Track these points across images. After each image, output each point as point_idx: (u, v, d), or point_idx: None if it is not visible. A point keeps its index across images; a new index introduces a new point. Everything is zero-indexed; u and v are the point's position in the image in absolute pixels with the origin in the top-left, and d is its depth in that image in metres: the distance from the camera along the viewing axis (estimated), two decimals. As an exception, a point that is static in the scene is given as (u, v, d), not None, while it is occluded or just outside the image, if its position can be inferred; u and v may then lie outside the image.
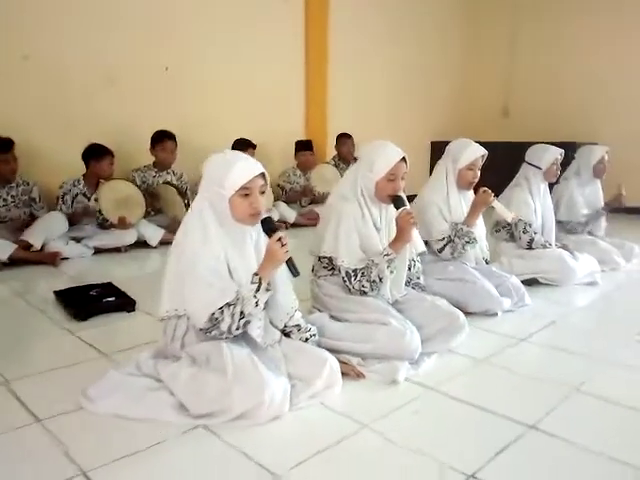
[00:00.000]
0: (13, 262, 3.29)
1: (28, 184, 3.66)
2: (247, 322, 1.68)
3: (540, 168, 3.19)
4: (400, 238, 2.10)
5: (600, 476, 1.35)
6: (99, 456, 1.37)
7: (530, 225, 3.14)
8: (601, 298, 2.94)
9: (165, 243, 4.02)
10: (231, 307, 1.63)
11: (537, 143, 5.85)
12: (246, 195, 1.67)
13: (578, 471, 1.37)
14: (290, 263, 1.72)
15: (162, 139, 4.24)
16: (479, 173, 2.74)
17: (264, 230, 1.72)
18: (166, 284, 1.76)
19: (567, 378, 1.88)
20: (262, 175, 1.70)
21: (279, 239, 1.66)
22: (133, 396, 1.61)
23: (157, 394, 1.62)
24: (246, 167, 1.67)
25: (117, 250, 3.78)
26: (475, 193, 2.76)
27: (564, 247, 3.22)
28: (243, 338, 1.76)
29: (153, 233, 3.93)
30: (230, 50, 4.90)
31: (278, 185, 5.24)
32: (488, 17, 7.22)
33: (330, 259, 2.22)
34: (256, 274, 1.67)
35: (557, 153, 3.18)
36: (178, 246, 1.76)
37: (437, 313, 2.17)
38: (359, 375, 1.85)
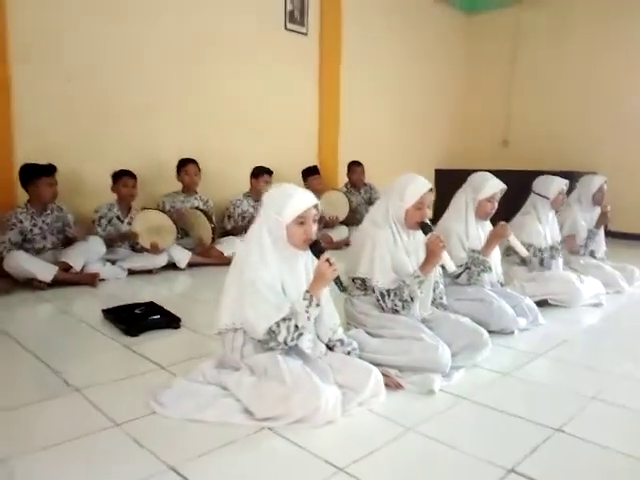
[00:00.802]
0: (55, 283, 3.48)
1: (62, 210, 3.79)
2: (300, 334, 1.88)
3: (548, 198, 3.44)
4: (430, 261, 2.32)
5: (619, 470, 1.55)
6: (182, 453, 1.55)
7: (540, 250, 3.37)
8: (607, 318, 3.16)
9: (192, 265, 4.25)
10: (287, 321, 1.84)
11: (535, 172, 6.19)
12: (301, 223, 1.89)
13: (602, 467, 1.56)
14: (337, 280, 1.93)
15: (185, 164, 4.51)
16: (497, 205, 2.98)
17: (313, 252, 1.93)
18: (226, 300, 1.95)
19: (584, 388, 2.08)
20: (315, 206, 1.93)
21: (327, 260, 1.88)
22: (203, 401, 1.80)
23: (224, 400, 1.81)
24: (303, 198, 1.90)
25: (149, 272, 3.99)
26: (492, 223, 3.01)
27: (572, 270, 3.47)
28: (294, 351, 1.96)
29: (182, 256, 4.15)
30: (249, 83, 5.19)
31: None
32: (488, 53, 7.58)
33: (363, 280, 2.43)
34: (307, 291, 1.88)
35: (563, 184, 3.44)
36: (237, 266, 1.95)
37: (462, 330, 2.37)
38: (398, 386, 2.04)
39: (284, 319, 1.84)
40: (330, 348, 2.09)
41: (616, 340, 2.78)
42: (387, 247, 2.36)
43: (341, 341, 2.11)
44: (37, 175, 3.55)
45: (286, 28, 5.42)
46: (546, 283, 3.30)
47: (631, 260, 4.15)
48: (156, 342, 2.54)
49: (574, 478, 1.48)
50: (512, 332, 2.72)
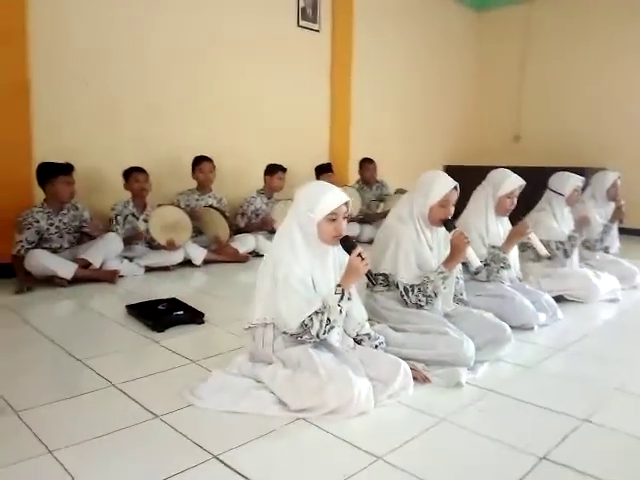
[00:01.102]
0: (74, 280, 3.52)
1: (77, 208, 3.78)
2: (332, 327, 1.92)
3: (563, 195, 3.47)
4: (455, 256, 2.35)
5: (651, 459, 1.59)
6: (223, 443, 1.60)
7: (562, 242, 3.40)
8: (624, 313, 3.21)
9: (207, 262, 4.30)
10: (319, 315, 1.88)
11: (547, 168, 6.19)
12: (332, 220, 1.93)
13: (631, 455, 1.60)
14: (369, 274, 1.97)
15: (199, 162, 4.54)
16: (516, 201, 3.02)
17: (344, 247, 1.96)
18: (258, 295, 1.98)
19: (607, 380, 2.13)
20: (346, 203, 1.96)
21: (359, 254, 1.92)
22: (239, 394, 1.85)
23: (260, 392, 1.86)
24: (335, 196, 1.94)
25: (166, 269, 4.04)
26: (510, 221, 3.05)
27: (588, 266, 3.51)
28: (324, 345, 2.00)
29: (197, 253, 4.20)
30: (262, 81, 5.23)
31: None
32: (498, 48, 7.61)
33: (386, 276, 2.47)
34: (339, 285, 1.92)
35: (578, 181, 3.47)
36: (269, 262, 1.98)
37: (485, 325, 2.41)
38: (425, 379, 2.08)
39: (317, 312, 1.88)
40: (358, 342, 2.13)
41: (634, 334, 2.82)
42: (411, 243, 2.40)
43: (368, 335, 2.15)
44: (55, 174, 3.57)
45: (299, 25, 5.46)
46: (563, 279, 3.33)
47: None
48: (182, 337, 2.58)
49: (605, 465, 1.52)
50: (532, 328, 2.75)
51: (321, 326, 1.89)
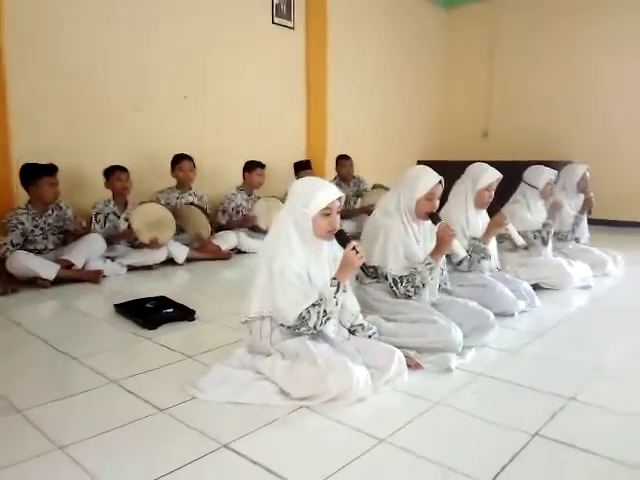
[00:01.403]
0: (57, 280, 3.49)
1: (61, 208, 3.77)
2: (328, 319, 1.99)
3: (537, 188, 3.62)
4: (441, 248, 2.45)
5: (630, 429, 1.71)
6: (230, 432, 1.64)
7: (539, 231, 3.55)
8: (596, 299, 3.37)
9: (189, 260, 4.30)
10: (316, 307, 1.94)
11: (515, 162, 6.39)
12: (327, 215, 1.99)
13: (616, 428, 1.72)
14: (363, 266, 2.04)
15: (179, 160, 4.53)
16: (493, 194, 3.14)
17: (338, 241, 2.03)
18: (256, 289, 2.02)
19: (586, 361, 2.26)
20: (339, 198, 2.03)
21: (354, 247, 1.98)
22: (241, 385, 1.89)
23: (261, 383, 1.91)
24: (328, 192, 2.00)
25: (148, 268, 4.02)
26: (488, 213, 3.17)
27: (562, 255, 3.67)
28: (320, 336, 2.07)
29: (180, 251, 4.20)
30: (239, 79, 5.24)
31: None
32: (467, 46, 7.79)
33: (375, 268, 2.55)
34: (334, 278, 1.98)
35: (552, 174, 3.62)
36: (266, 256, 2.03)
37: (470, 313, 2.51)
38: (417, 366, 2.16)
39: (313, 305, 1.94)
40: (352, 333, 2.20)
41: (607, 318, 2.97)
42: (399, 236, 2.49)
43: (362, 326, 2.22)
44: (38, 175, 3.54)
45: (273, 22, 5.48)
46: (538, 268, 3.48)
47: (612, 245, 4.38)
48: (175, 334, 2.60)
49: (593, 439, 1.63)
50: (512, 314, 2.88)
51: (318, 318, 1.95)
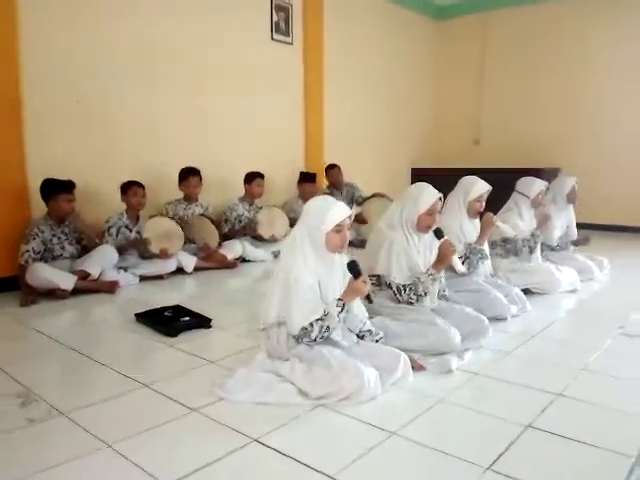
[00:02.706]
0: (74, 291, 3.67)
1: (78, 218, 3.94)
2: (329, 333, 2.20)
3: (528, 197, 3.86)
4: (442, 262, 2.68)
5: (613, 422, 1.93)
6: (259, 428, 1.85)
7: (527, 239, 3.78)
8: (583, 302, 3.61)
9: (197, 269, 4.50)
10: (319, 322, 2.15)
11: (505, 169, 6.64)
12: (338, 231, 2.21)
13: (600, 421, 1.95)
14: (368, 295, 2.25)
15: (187, 176, 4.73)
16: (484, 204, 3.37)
17: (350, 271, 2.21)
18: (271, 298, 2.22)
19: (573, 361, 2.48)
20: (349, 216, 2.24)
21: (363, 281, 2.18)
22: (264, 387, 2.10)
23: (282, 385, 2.11)
24: (340, 210, 2.21)
25: (159, 277, 4.21)
26: (480, 219, 3.41)
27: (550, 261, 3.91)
28: (331, 342, 2.28)
29: (188, 261, 4.40)
30: (242, 94, 5.45)
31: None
32: (458, 57, 8.03)
33: (379, 277, 2.77)
34: (341, 299, 2.19)
35: (542, 185, 3.86)
36: (282, 268, 2.22)
37: (466, 318, 2.73)
38: (420, 367, 2.37)
39: (317, 320, 2.15)
40: (360, 337, 2.42)
41: (593, 321, 3.21)
42: (402, 247, 2.71)
43: (370, 331, 2.43)
44: (57, 190, 3.75)
45: (272, 38, 5.70)
46: (529, 274, 3.71)
47: (601, 249, 4.63)
48: (195, 341, 2.80)
49: (581, 430, 1.84)
50: (505, 318, 3.10)
51: (320, 331, 2.16)
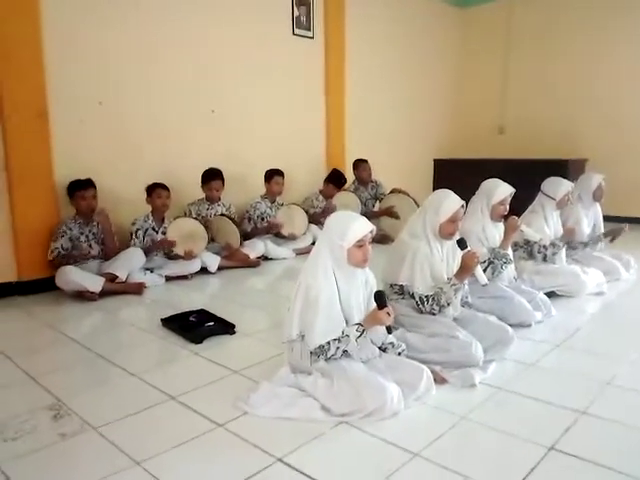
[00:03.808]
0: (102, 293, 3.76)
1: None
2: (346, 355, 2.21)
3: (554, 199, 3.79)
4: (465, 272, 2.65)
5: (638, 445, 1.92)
6: (283, 446, 1.88)
7: (545, 247, 3.73)
8: (609, 305, 3.56)
9: (220, 268, 4.55)
10: (336, 342, 2.17)
11: (530, 160, 6.52)
12: (360, 246, 2.21)
13: (625, 444, 1.93)
14: (389, 327, 2.25)
15: (209, 180, 4.77)
16: (508, 207, 3.33)
17: (376, 300, 2.20)
18: (293, 313, 2.24)
19: (599, 374, 2.45)
20: (371, 230, 2.24)
21: (387, 312, 2.17)
22: (287, 402, 2.13)
23: (305, 400, 2.14)
24: (362, 225, 2.21)
25: (184, 277, 4.29)
26: (505, 221, 3.37)
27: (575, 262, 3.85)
28: (349, 356, 2.29)
29: (212, 261, 4.46)
30: (262, 91, 5.45)
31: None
32: (482, 44, 7.86)
33: (401, 286, 2.77)
34: (361, 325, 2.20)
35: (569, 186, 3.79)
36: (303, 283, 2.23)
37: (490, 328, 2.72)
38: (443, 380, 2.38)
39: (335, 340, 2.17)
40: (383, 350, 2.43)
41: (620, 327, 3.17)
42: (425, 257, 2.69)
43: (392, 344, 2.44)
44: (74, 189, 3.94)
45: (294, 33, 5.66)
46: (554, 276, 3.66)
47: (627, 244, 4.52)
48: (219, 348, 2.85)
49: (604, 453, 1.83)
50: (530, 325, 3.08)
51: (336, 352, 2.18)
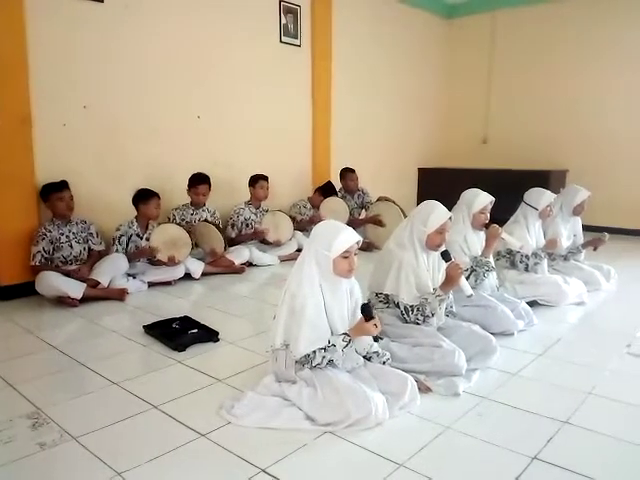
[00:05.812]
0: (84, 298, 3.71)
1: (85, 222, 4.06)
2: (331, 364, 2.21)
3: (537, 209, 3.84)
4: (450, 284, 2.67)
5: (619, 455, 1.94)
6: (266, 457, 1.87)
7: (527, 256, 3.78)
8: (590, 315, 3.61)
9: (204, 274, 4.52)
10: (322, 351, 2.16)
11: (512, 170, 6.60)
12: (346, 257, 2.21)
13: (605, 453, 1.95)
14: (377, 335, 2.26)
15: (196, 184, 4.73)
16: (489, 215, 3.37)
17: (363, 313, 2.20)
18: (280, 320, 2.23)
19: (580, 384, 2.48)
20: (357, 241, 2.24)
21: (375, 324, 2.18)
22: (272, 411, 2.12)
23: (289, 410, 2.13)
24: (348, 236, 2.21)
25: (167, 283, 4.24)
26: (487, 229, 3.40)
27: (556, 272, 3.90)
28: (334, 365, 2.28)
29: (196, 267, 4.42)
30: (248, 98, 5.44)
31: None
32: (467, 55, 7.95)
33: (387, 295, 2.78)
34: (347, 334, 2.20)
35: (551, 197, 3.84)
36: (289, 293, 2.23)
37: (474, 337, 2.74)
38: (427, 389, 2.39)
39: (321, 349, 2.16)
40: (367, 359, 2.43)
41: (600, 336, 3.21)
42: (411, 267, 2.71)
43: (377, 353, 2.44)
44: (49, 192, 3.89)
45: (281, 41, 5.67)
46: (536, 285, 3.71)
47: (606, 254, 4.60)
48: (203, 356, 2.82)
49: (586, 463, 1.85)
50: (512, 333, 3.11)
51: (322, 362, 2.17)
